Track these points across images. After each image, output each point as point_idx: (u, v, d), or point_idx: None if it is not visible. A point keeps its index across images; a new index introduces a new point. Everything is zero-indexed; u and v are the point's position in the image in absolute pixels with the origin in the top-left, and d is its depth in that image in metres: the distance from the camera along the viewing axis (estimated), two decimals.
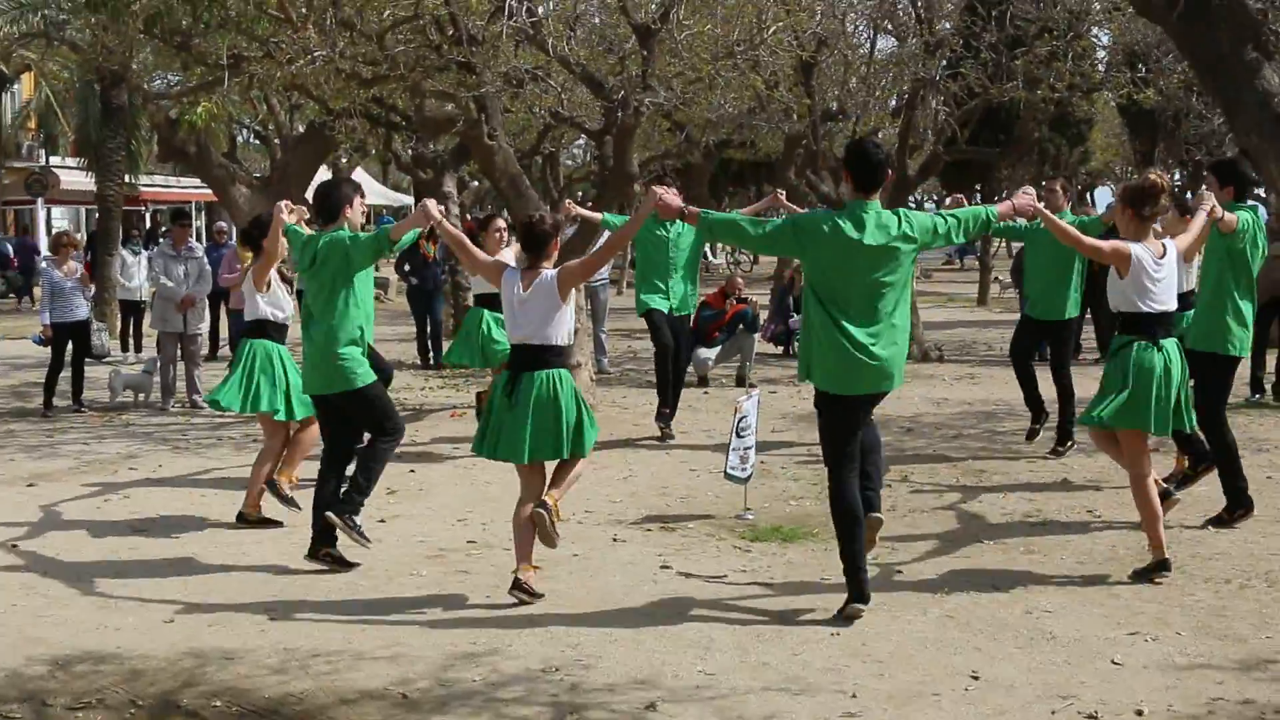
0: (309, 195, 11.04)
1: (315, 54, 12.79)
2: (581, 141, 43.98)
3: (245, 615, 7.24)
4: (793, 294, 21.39)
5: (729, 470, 9.69)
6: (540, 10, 13.51)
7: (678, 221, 12.67)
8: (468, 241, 8.27)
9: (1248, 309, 8.94)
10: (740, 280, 18.77)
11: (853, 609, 7.03)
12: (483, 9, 13.73)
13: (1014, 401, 14.75)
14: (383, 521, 9.43)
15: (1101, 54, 22.72)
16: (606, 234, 11.55)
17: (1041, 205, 7.77)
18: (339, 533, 8.15)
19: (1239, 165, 9.29)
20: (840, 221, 6.95)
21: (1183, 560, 8.05)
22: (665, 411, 12.83)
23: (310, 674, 6.30)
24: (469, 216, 23.39)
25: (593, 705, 5.88)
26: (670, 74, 14.15)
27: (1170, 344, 7.85)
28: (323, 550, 8.22)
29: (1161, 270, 7.77)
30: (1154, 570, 7.72)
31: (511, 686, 6.11)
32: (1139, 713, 5.73)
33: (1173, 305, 7.87)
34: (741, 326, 17.63)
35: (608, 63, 14.33)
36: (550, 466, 7.67)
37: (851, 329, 6.94)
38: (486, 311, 12.12)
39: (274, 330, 9.80)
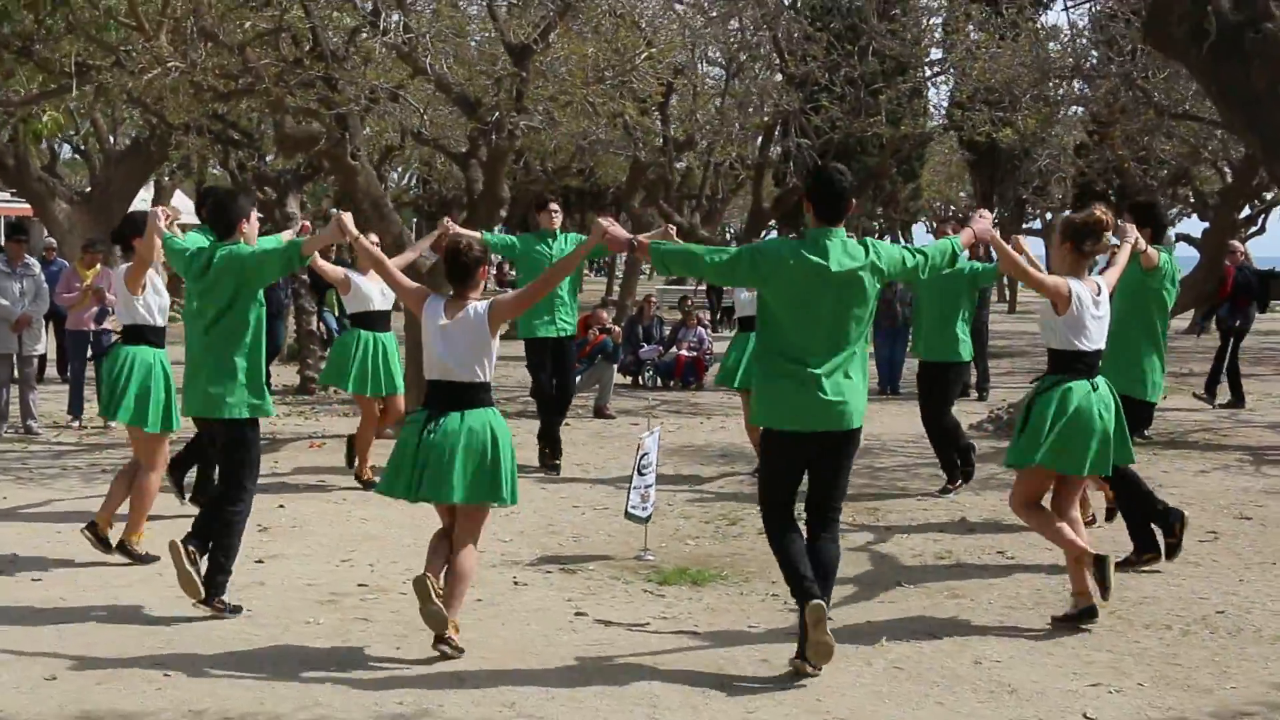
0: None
1: (170, 64, 12.08)
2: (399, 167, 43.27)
3: (135, 670, 6.54)
4: (641, 324, 21.08)
5: (630, 510, 9.23)
6: (415, 26, 12.97)
7: (559, 238, 12.26)
8: (388, 261, 7.73)
9: (1162, 352, 8.74)
10: (604, 313, 18.35)
11: (812, 607, 6.44)
12: (345, 25, 13.16)
13: (884, 435, 14.63)
14: (260, 562, 8.78)
15: (945, 92, 22.93)
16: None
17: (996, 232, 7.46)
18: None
19: (1156, 207, 9.08)
20: (804, 249, 6.54)
21: (1113, 605, 7.77)
22: (556, 463, 12.34)
23: None
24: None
25: None
26: (543, 96, 13.74)
27: (1102, 381, 7.62)
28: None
29: (1100, 309, 7.54)
30: (1079, 617, 7.48)
31: None
32: None
33: (1103, 344, 7.64)
34: (601, 357, 17.22)
35: (481, 84, 13.81)
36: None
37: (808, 362, 6.52)
38: (363, 332, 11.51)
39: (152, 334, 9.10)
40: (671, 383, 20.49)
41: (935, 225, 13.29)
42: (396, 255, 11.75)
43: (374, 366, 11.48)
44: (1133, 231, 8.09)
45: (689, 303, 22.23)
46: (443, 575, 6.96)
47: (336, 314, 19.40)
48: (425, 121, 14.70)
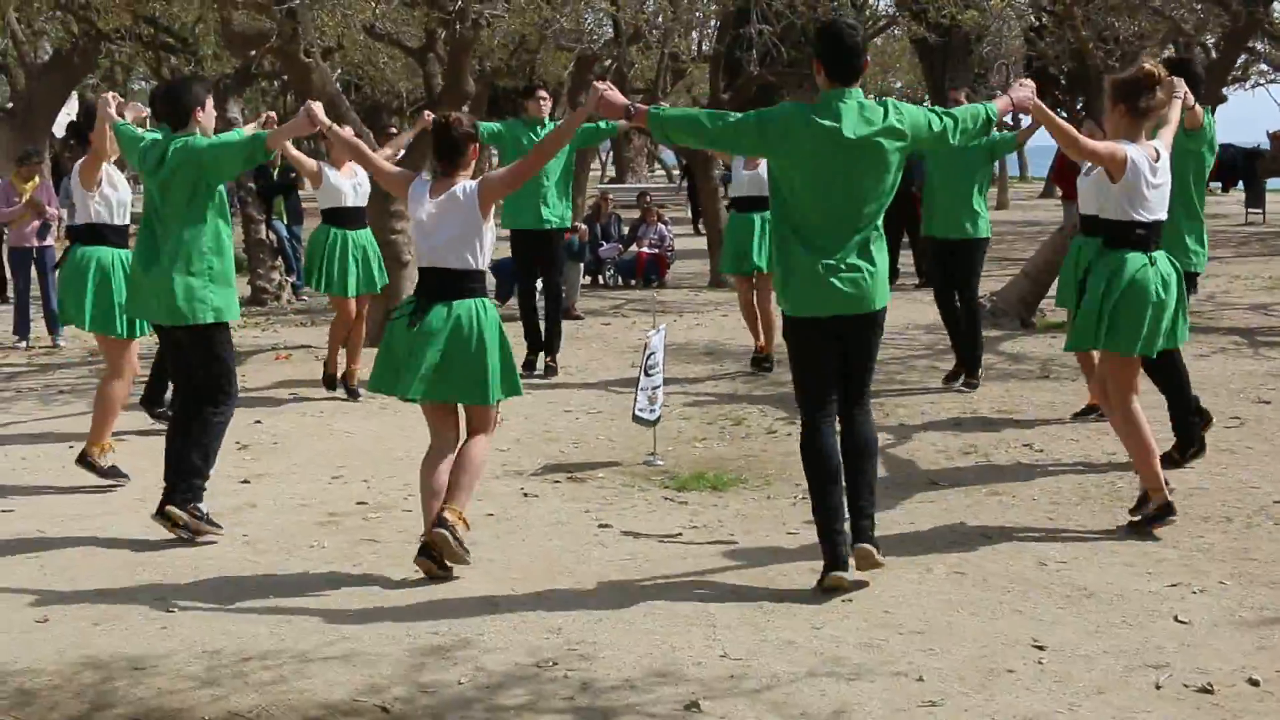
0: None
1: None
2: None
3: (135, 608, 5.95)
4: (599, 222, 20.43)
5: (637, 412, 8.72)
6: None
7: (549, 125, 11.59)
8: (366, 149, 7.12)
9: (1201, 219, 8.20)
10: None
11: (833, 579, 6.02)
12: None
13: None
14: (246, 482, 8.21)
15: None
16: None
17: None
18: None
19: (1192, 63, 8.47)
20: (815, 113, 5.91)
21: None
22: (532, 359, 11.74)
23: (251, 684, 5.10)
24: None
25: (622, 709, 4.82)
26: None
27: (1161, 256, 7.06)
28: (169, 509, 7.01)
29: (1159, 176, 6.92)
30: (1157, 517, 6.93)
31: (510, 689, 5.01)
32: (1253, 682, 4.96)
33: (1164, 214, 7.08)
34: (567, 256, 16.57)
35: None
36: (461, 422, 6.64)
37: (823, 243, 5.95)
38: (335, 229, 10.84)
39: (111, 234, 8.47)
40: (633, 281, 19.93)
41: (950, 89, 12.64)
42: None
43: (343, 266, 10.81)
44: (1182, 87, 7.51)
45: (648, 199, 21.56)
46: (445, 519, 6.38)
47: (286, 221, 18.62)
48: (377, 16, 13.90)
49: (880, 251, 6.10)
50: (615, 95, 6.21)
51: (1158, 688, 4.94)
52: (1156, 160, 6.92)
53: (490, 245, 6.53)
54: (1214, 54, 17.95)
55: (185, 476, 7.05)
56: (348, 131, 10.32)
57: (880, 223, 6.12)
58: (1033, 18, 26.81)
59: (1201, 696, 4.87)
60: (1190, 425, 8.28)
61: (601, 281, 20.02)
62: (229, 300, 7.16)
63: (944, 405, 10.28)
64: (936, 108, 6.37)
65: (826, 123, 5.88)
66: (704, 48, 26.57)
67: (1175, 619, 5.64)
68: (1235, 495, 7.54)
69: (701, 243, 21.32)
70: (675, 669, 5.18)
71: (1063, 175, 22.44)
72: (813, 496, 6.19)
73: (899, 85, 53.12)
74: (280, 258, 18.22)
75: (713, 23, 21.02)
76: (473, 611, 5.86)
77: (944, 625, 5.63)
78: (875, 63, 46.09)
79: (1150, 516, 6.91)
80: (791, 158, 5.97)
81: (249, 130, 9.36)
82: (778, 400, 10.57)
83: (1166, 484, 6.96)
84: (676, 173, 50.90)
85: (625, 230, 20.70)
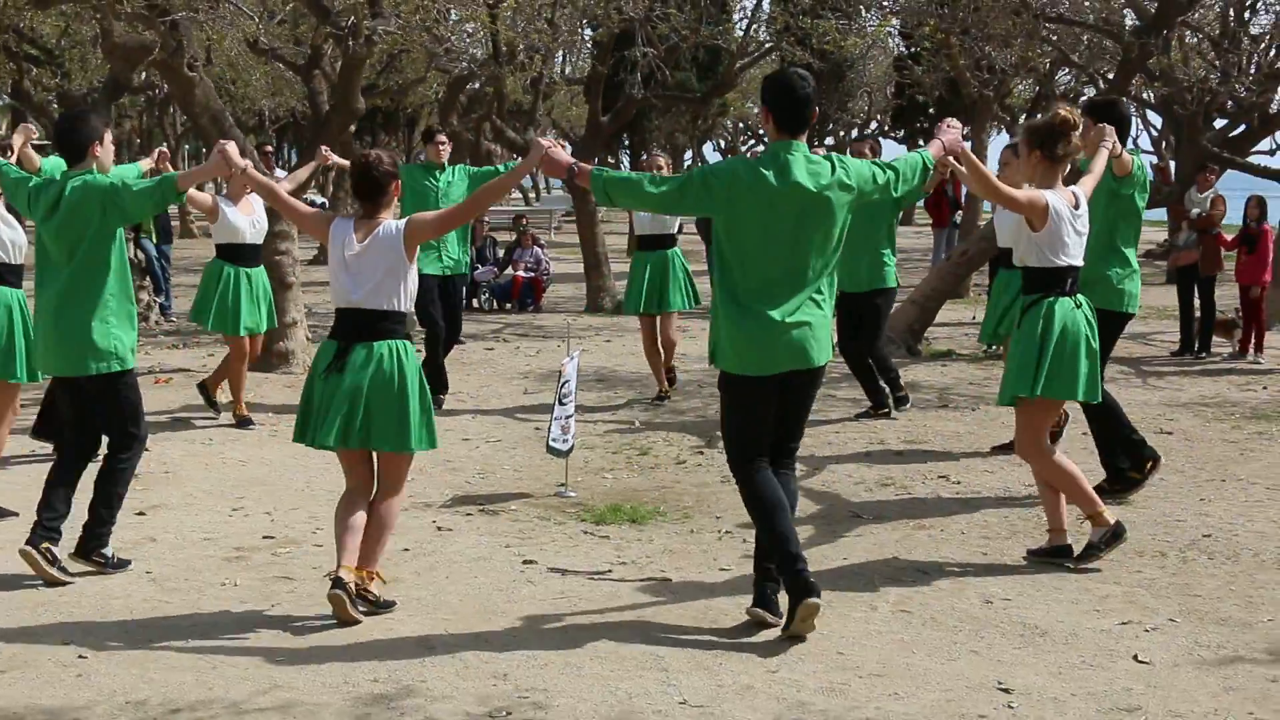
0: None
1: None
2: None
3: (44, 651, 5.55)
4: (475, 244, 20.12)
5: (550, 443, 8.47)
6: None
7: (448, 170, 11.30)
8: (281, 191, 6.73)
9: (1135, 261, 8.15)
10: None
11: (808, 605, 5.69)
12: None
13: None
14: (142, 514, 7.81)
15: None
16: None
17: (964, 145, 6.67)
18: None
19: (1119, 105, 8.39)
20: (762, 168, 5.70)
21: (1090, 531, 7.23)
22: (440, 397, 11.38)
23: None
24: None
25: None
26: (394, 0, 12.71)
27: (1084, 300, 6.97)
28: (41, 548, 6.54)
29: (1080, 222, 6.83)
30: (1114, 537, 6.84)
31: None
32: None
33: (1081, 259, 6.95)
34: None
35: None
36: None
37: (770, 300, 5.70)
38: (228, 265, 10.41)
39: (7, 273, 7.96)
40: (509, 305, 19.67)
41: (850, 144, 12.43)
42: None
43: (236, 304, 10.37)
44: (1111, 135, 7.45)
45: (524, 221, 21.32)
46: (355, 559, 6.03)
47: (155, 240, 17.97)
48: (260, 30, 13.49)
49: (827, 306, 5.87)
50: (559, 154, 6.02)
51: None
52: (1076, 207, 6.83)
53: (414, 287, 6.24)
54: (1102, 85, 18.19)
55: (90, 526, 6.71)
56: (286, 182, 9.94)
57: (828, 279, 5.89)
58: (902, 47, 27.04)
59: None
60: (1138, 446, 8.23)
61: (477, 305, 19.72)
62: (133, 341, 6.75)
63: (849, 435, 10.18)
64: (878, 160, 6.18)
65: (774, 177, 5.68)
66: (568, 70, 26.42)
67: (1135, 659, 5.54)
68: (1163, 529, 7.50)
69: (578, 267, 21.11)
70: (636, 717, 4.94)
71: (933, 204, 22.70)
72: (768, 538, 5.85)
73: (756, 111, 53.42)
74: (149, 277, 17.60)
75: (587, 46, 20.84)
76: (409, 654, 5.55)
77: (902, 667, 5.46)
78: (738, 91, 46.47)
79: (1101, 542, 6.83)
80: (740, 214, 5.73)
81: (145, 165, 8.85)
82: (680, 428, 10.41)
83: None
84: (533, 195, 50.91)
85: (500, 253, 20.45)
